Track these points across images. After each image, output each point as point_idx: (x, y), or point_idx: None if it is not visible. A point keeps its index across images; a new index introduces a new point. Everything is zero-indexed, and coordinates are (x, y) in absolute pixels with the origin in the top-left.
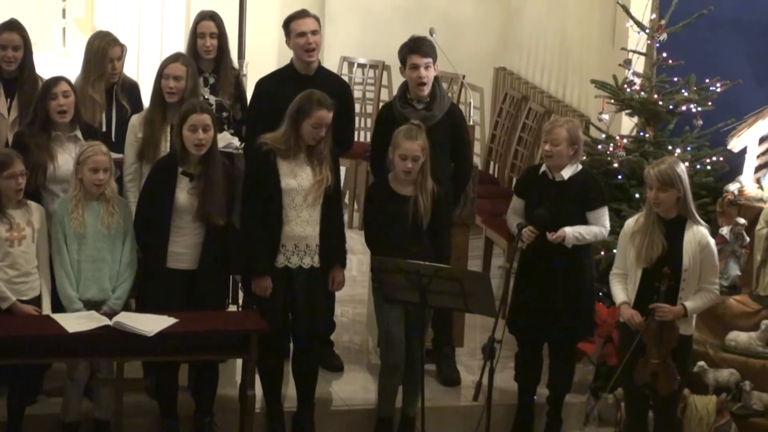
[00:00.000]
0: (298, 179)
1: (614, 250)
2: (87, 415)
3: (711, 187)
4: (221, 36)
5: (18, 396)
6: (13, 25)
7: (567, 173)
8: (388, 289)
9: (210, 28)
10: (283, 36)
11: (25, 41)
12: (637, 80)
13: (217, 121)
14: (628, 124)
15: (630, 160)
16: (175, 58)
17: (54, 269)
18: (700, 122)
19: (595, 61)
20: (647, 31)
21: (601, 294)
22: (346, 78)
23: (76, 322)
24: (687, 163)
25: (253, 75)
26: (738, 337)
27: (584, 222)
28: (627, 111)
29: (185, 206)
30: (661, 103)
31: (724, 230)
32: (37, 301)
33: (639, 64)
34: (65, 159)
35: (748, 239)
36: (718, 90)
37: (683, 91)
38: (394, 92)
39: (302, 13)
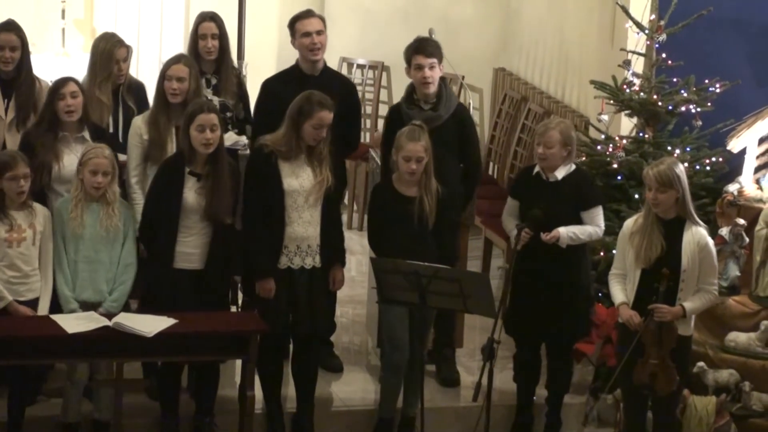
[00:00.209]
0: (299, 180)
1: (614, 251)
2: (87, 417)
3: (710, 188)
4: (222, 37)
5: (18, 397)
6: (11, 26)
7: (561, 173)
8: (387, 290)
9: (211, 30)
10: (282, 36)
11: (23, 42)
12: (637, 81)
13: (222, 122)
14: (627, 124)
15: (629, 160)
16: (177, 59)
17: (54, 269)
18: (700, 123)
19: (595, 62)
20: (646, 31)
21: (600, 295)
22: None
23: (75, 322)
24: (686, 164)
25: (252, 75)
26: (737, 337)
27: (579, 222)
28: (626, 112)
29: (193, 206)
30: (660, 103)
31: (724, 231)
32: (36, 303)
33: (638, 64)
34: (71, 160)
35: (747, 240)
36: (718, 91)
37: (682, 91)
38: (394, 93)
39: (307, 13)
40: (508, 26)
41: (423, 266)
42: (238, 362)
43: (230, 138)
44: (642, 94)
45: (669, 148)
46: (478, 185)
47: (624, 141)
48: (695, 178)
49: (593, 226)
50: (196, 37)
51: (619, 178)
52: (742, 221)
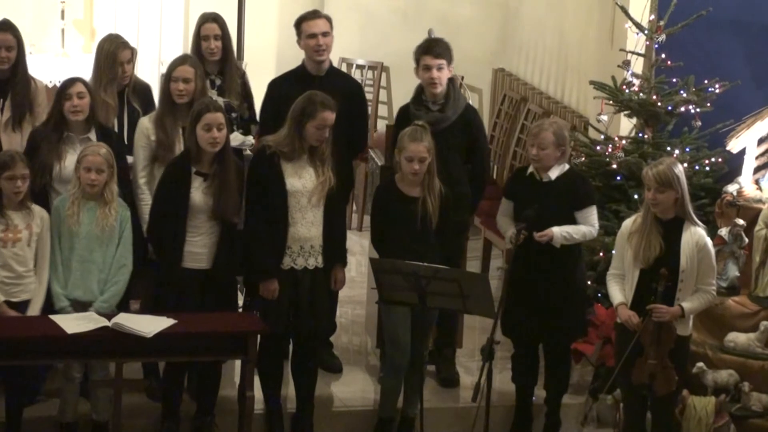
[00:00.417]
0: (302, 181)
1: (613, 251)
2: (85, 417)
3: (710, 188)
4: (225, 37)
5: (16, 397)
6: (6, 26)
7: (554, 173)
8: (386, 291)
9: (213, 31)
10: (281, 37)
11: (18, 42)
12: (636, 81)
13: (228, 122)
14: (626, 125)
15: (629, 161)
16: (183, 60)
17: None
18: (699, 123)
19: (594, 62)
20: (646, 32)
21: (600, 295)
22: None
23: (75, 323)
24: (686, 164)
25: (252, 76)
26: (737, 338)
27: (573, 222)
28: (626, 112)
29: (200, 206)
30: (659, 104)
31: (723, 231)
32: (26, 304)
33: (638, 65)
34: (73, 160)
35: (746, 240)
36: (717, 91)
37: (682, 92)
38: (393, 94)
39: (313, 14)
40: (507, 27)
41: (422, 267)
42: (238, 363)
43: (236, 138)
44: (641, 94)
45: (668, 148)
46: (486, 186)
47: (623, 141)
48: (694, 179)
49: (587, 225)
50: (198, 38)
51: (618, 178)
52: (741, 221)
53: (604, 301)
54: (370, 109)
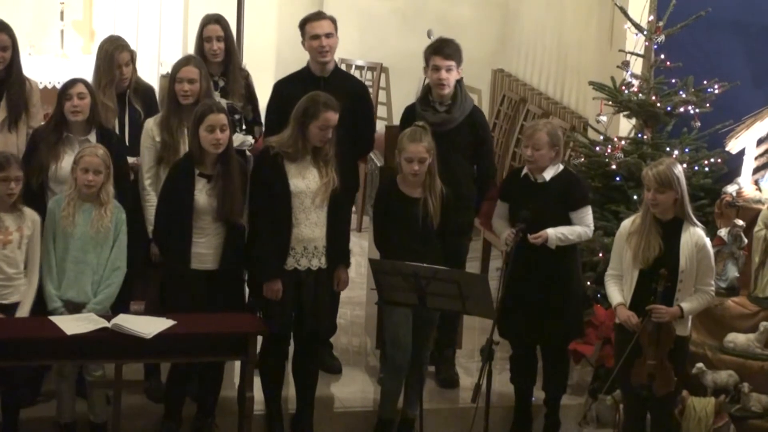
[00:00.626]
0: (305, 181)
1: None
2: (83, 418)
3: (709, 189)
4: (227, 39)
5: (13, 397)
6: (1, 26)
7: (549, 174)
8: (386, 292)
9: (216, 32)
10: (281, 38)
11: (13, 42)
12: (635, 82)
13: (231, 123)
14: (626, 125)
15: (628, 161)
16: (187, 61)
17: (40, 266)
18: (698, 124)
19: (593, 63)
20: (645, 32)
21: (599, 296)
22: None
23: (74, 324)
24: (685, 165)
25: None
26: (736, 338)
27: (569, 222)
28: (625, 113)
29: (205, 207)
30: (659, 104)
31: (722, 232)
32: (17, 306)
33: (637, 65)
34: (70, 161)
35: (746, 241)
36: (716, 92)
37: (681, 92)
38: (392, 94)
39: (317, 16)
40: (506, 27)
41: (422, 267)
42: (238, 363)
43: (236, 138)
44: (641, 95)
45: (668, 149)
46: (492, 187)
47: (622, 142)
48: (694, 179)
49: (582, 226)
50: (201, 39)
51: (617, 179)
52: (740, 222)
53: (603, 302)
54: None
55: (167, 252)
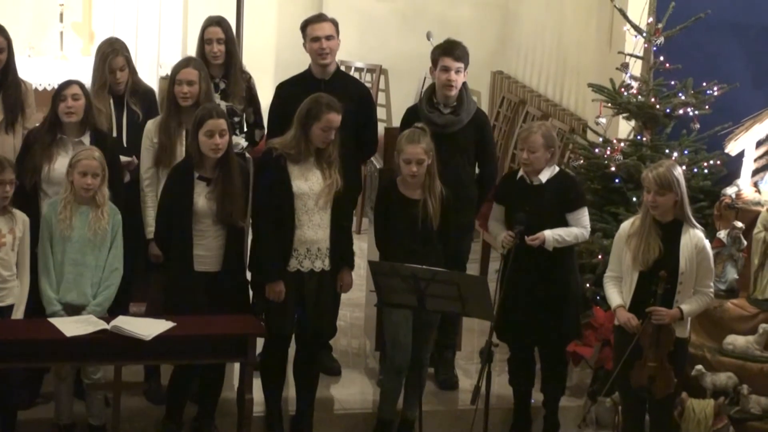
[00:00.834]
0: (309, 183)
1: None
2: (82, 420)
3: (708, 191)
4: (229, 41)
5: (11, 399)
6: None
7: (545, 176)
8: (385, 293)
9: (216, 34)
10: (280, 40)
11: (9, 43)
12: (635, 84)
13: (230, 126)
14: (625, 127)
15: (627, 163)
16: (186, 62)
17: (37, 270)
18: (698, 126)
19: (593, 65)
20: (644, 34)
21: (598, 297)
22: None
23: (74, 326)
24: (684, 167)
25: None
26: (736, 340)
27: (565, 224)
28: (624, 114)
29: (204, 210)
30: (658, 106)
31: (722, 234)
32: (12, 309)
33: (636, 67)
34: (63, 162)
35: (745, 243)
36: (716, 93)
37: (680, 94)
38: (392, 96)
39: (318, 18)
40: (506, 29)
41: (421, 269)
42: (237, 365)
43: None
44: (640, 97)
45: (667, 151)
46: (491, 189)
47: (622, 144)
48: (693, 181)
49: (579, 227)
50: (202, 42)
51: (617, 181)
52: (740, 224)
53: (602, 304)
54: None
55: (169, 255)
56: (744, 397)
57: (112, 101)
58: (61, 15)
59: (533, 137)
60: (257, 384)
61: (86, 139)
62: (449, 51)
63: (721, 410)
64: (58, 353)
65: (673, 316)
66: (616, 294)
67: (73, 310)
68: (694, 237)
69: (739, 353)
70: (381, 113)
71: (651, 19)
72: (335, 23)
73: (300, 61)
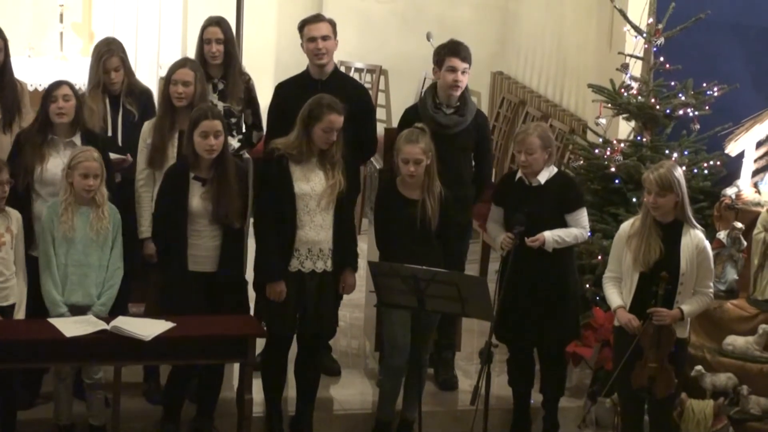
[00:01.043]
0: (311, 184)
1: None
2: (82, 420)
3: (708, 192)
4: (228, 42)
5: (11, 399)
6: None
7: (543, 177)
8: (385, 294)
9: (216, 34)
10: (280, 40)
11: (5, 44)
12: (635, 84)
13: (226, 127)
14: (625, 128)
15: (627, 164)
16: (183, 63)
17: (40, 273)
18: (698, 126)
19: (593, 66)
20: (644, 35)
21: (598, 298)
22: None
23: (73, 326)
24: (684, 168)
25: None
26: (735, 341)
27: (564, 225)
28: (624, 115)
29: (200, 211)
30: (658, 107)
31: (722, 234)
32: (13, 308)
33: (636, 68)
34: (55, 163)
35: (745, 243)
36: (716, 94)
37: (680, 95)
38: (392, 97)
39: (315, 18)
40: (506, 30)
41: (421, 270)
42: (237, 365)
43: None
44: (640, 97)
45: (667, 151)
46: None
47: (622, 145)
48: (693, 182)
49: (578, 228)
50: (201, 41)
51: (617, 181)
52: (740, 225)
53: (602, 305)
54: None
55: (165, 254)
56: (744, 398)
57: (107, 101)
58: (61, 15)
59: (530, 139)
60: (257, 384)
61: (77, 139)
62: (456, 51)
63: (720, 411)
64: (58, 353)
65: (674, 317)
66: (616, 295)
67: (78, 311)
68: (695, 238)
69: (738, 354)
70: (381, 114)
71: (651, 20)
72: (333, 23)
73: (300, 62)
